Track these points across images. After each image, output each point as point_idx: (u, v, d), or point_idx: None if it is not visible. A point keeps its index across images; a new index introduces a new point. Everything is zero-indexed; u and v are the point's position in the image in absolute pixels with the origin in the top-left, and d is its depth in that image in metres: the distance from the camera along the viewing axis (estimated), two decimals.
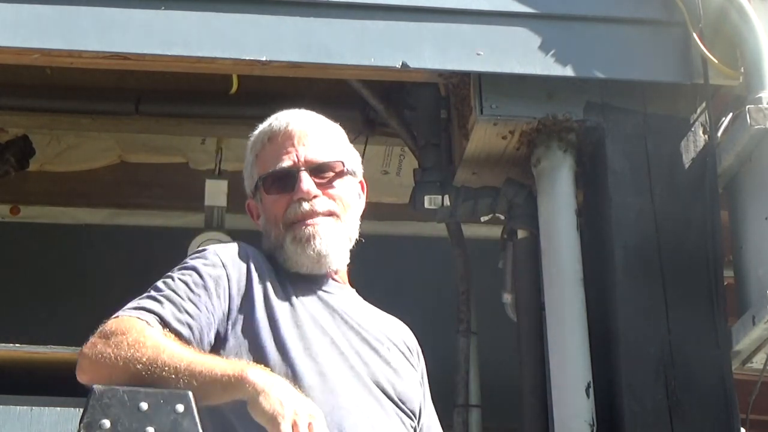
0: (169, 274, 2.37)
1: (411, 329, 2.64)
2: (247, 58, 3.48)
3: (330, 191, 2.48)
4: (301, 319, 2.37)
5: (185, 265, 2.39)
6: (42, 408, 3.35)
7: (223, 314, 2.33)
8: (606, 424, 3.36)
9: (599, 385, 3.40)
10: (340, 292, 2.50)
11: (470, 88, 3.61)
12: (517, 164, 3.74)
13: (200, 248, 2.47)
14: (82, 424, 2.01)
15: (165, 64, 3.61)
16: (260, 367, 2.19)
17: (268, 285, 2.40)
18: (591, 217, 3.62)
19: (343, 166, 2.52)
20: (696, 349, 3.38)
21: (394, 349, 2.47)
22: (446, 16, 3.56)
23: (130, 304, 2.30)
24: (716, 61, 3.52)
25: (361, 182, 2.62)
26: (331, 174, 2.50)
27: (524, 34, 3.56)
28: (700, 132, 3.62)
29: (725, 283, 3.48)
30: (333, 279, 2.51)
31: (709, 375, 3.36)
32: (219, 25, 3.47)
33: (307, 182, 2.45)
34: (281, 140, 2.50)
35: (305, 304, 2.41)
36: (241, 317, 2.34)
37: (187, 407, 2.05)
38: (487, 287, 4.01)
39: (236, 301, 2.35)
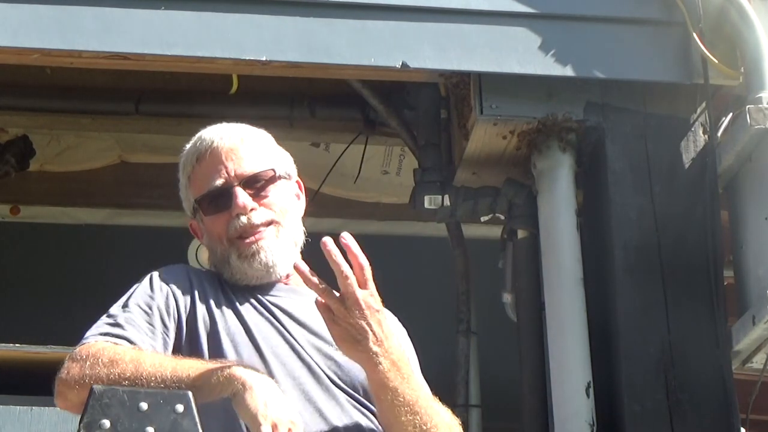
0: (119, 301, 2.39)
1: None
2: (247, 58, 3.48)
3: (266, 201, 2.51)
4: (251, 329, 2.40)
5: (132, 291, 2.44)
6: (42, 408, 3.36)
7: (175, 334, 2.36)
8: (606, 424, 3.36)
9: (599, 385, 3.40)
10: (291, 295, 2.52)
11: (470, 88, 3.61)
12: (517, 164, 3.74)
13: (144, 276, 2.49)
14: (82, 424, 2.01)
15: (165, 64, 3.61)
16: (247, 365, 2.21)
17: (211, 302, 2.44)
18: (591, 217, 3.62)
19: (275, 172, 2.54)
20: (696, 349, 3.38)
21: None
22: (446, 16, 3.56)
23: (91, 331, 2.32)
24: (716, 61, 3.52)
25: (297, 182, 2.63)
26: (264, 182, 2.52)
27: (524, 34, 3.56)
28: (700, 132, 3.62)
29: (725, 283, 3.48)
30: (283, 283, 2.53)
31: (709, 375, 3.35)
32: (219, 25, 3.47)
33: (242, 197, 2.47)
34: (209, 159, 2.53)
35: (250, 314, 2.45)
36: (188, 336, 2.38)
37: (187, 407, 2.05)
38: (487, 287, 4.01)
39: (183, 319, 2.39)
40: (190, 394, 2.07)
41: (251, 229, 2.47)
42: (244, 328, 2.40)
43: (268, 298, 2.49)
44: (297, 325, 2.45)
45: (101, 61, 3.52)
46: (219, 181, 2.49)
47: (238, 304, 2.45)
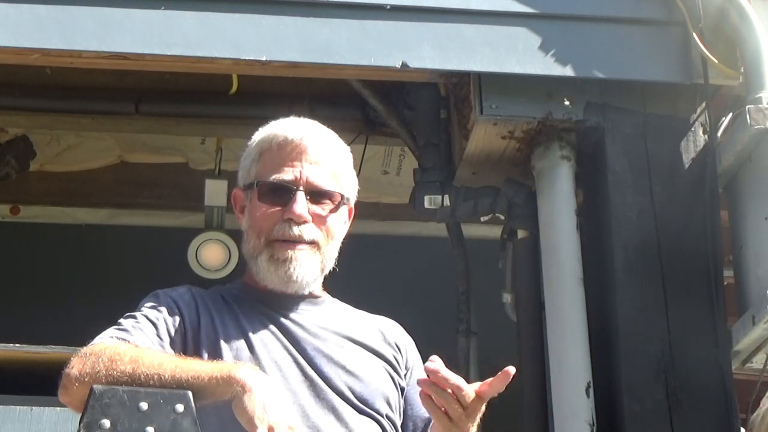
0: (128, 313, 2.40)
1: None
2: (247, 58, 3.48)
3: (320, 219, 2.46)
4: (254, 344, 2.39)
5: (141, 305, 2.44)
6: (42, 408, 3.35)
7: (181, 349, 2.36)
8: (606, 424, 3.36)
9: (599, 385, 3.40)
10: (309, 306, 2.51)
11: (470, 88, 3.61)
12: (517, 164, 3.74)
13: (149, 294, 2.49)
14: (82, 424, 2.01)
15: (165, 64, 3.61)
16: (248, 366, 2.21)
17: (216, 319, 2.43)
18: (591, 217, 3.62)
19: (341, 198, 2.50)
20: (696, 349, 3.38)
21: (359, 351, 2.47)
22: (446, 16, 3.56)
23: (100, 336, 2.32)
24: (716, 61, 3.52)
25: (350, 209, 2.59)
26: (327, 203, 2.48)
27: (524, 34, 3.56)
28: (700, 132, 3.62)
29: (725, 283, 3.48)
30: (304, 297, 2.51)
31: (709, 375, 3.36)
32: (219, 25, 3.47)
33: (301, 205, 2.43)
34: (290, 150, 2.47)
35: (255, 328, 2.42)
36: (193, 352, 2.37)
37: (187, 407, 2.05)
38: (487, 287, 4.01)
39: (189, 335, 2.39)
40: (190, 394, 2.07)
41: (295, 240, 2.43)
42: (248, 343, 2.38)
43: (281, 310, 2.47)
44: (310, 337, 2.43)
45: (101, 61, 3.52)
46: (288, 177, 2.44)
47: (244, 319, 2.44)
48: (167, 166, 5.18)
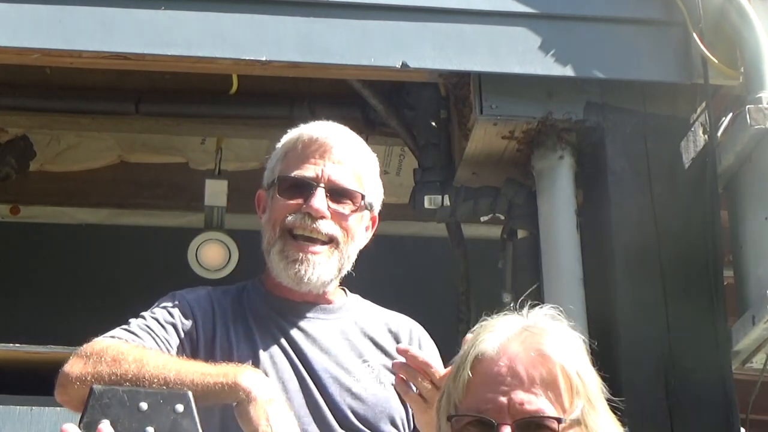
0: (141, 314, 2.39)
1: None
2: (247, 58, 3.48)
3: (339, 217, 2.45)
4: (261, 362, 2.38)
5: (154, 306, 2.43)
6: (42, 408, 3.36)
7: (189, 354, 2.35)
8: None
9: None
10: (323, 315, 2.49)
11: (470, 88, 3.61)
12: (517, 164, 3.74)
13: (167, 294, 2.48)
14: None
15: (165, 64, 3.61)
16: (252, 370, 2.21)
17: (231, 331, 2.42)
18: (591, 216, 3.62)
19: (362, 199, 2.49)
20: (696, 349, 3.38)
21: (368, 369, 2.45)
22: (446, 16, 3.56)
23: (105, 334, 2.31)
24: (716, 61, 3.52)
25: (374, 217, 2.57)
26: (348, 203, 2.47)
27: (524, 34, 3.56)
28: (700, 132, 3.62)
29: (725, 283, 3.48)
30: (317, 302, 2.50)
31: (709, 375, 3.36)
32: (219, 25, 3.48)
33: (320, 200, 2.43)
34: (314, 149, 2.48)
35: (267, 345, 2.42)
36: (203, 356, 2.36)
37: (187, 407, 2.05)
38: (487, 287, 4.01)
39: (202, 341, 2.38)
40: (190, 394, 2.07)
41: (312, 232, 2.42)
42: (258, 361, 2.37)
43: (295, 321, 2.46)
44: (320, 354, 2.42)
45: (101, 61, 3.53)
46: (309, 173, 2.45)
47: (257, 333, 2.43)
48: (167, 166, 5.17)
